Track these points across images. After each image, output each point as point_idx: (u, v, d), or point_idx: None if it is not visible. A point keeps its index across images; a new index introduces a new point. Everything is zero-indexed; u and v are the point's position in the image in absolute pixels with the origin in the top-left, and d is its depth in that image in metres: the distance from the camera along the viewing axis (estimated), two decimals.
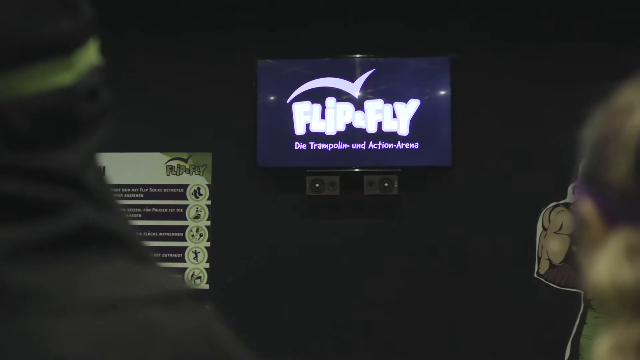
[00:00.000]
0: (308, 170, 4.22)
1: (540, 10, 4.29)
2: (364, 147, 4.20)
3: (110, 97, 0.62)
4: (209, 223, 4.39)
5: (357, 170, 4.21)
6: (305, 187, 4.22)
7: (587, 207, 0.67)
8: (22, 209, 0.52)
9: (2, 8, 0.53)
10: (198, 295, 0.58)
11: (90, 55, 0.60)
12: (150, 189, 4.43)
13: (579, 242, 0.69)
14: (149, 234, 4.36)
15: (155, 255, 0.60)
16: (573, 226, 0.70)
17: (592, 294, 0.65)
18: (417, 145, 4.17)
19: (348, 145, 4.21)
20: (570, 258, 4.15)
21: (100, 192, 0.58)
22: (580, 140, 0.71)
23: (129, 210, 4.27)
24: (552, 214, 4.18)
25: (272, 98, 4.26)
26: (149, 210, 4.42)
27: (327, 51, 4.30)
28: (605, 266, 0.63)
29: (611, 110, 0.68)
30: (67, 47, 0.56)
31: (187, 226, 4.39)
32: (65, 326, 0.50)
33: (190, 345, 0.54)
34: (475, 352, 4.15)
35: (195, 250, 4.37)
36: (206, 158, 4.42)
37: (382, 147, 4.19)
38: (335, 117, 4.22)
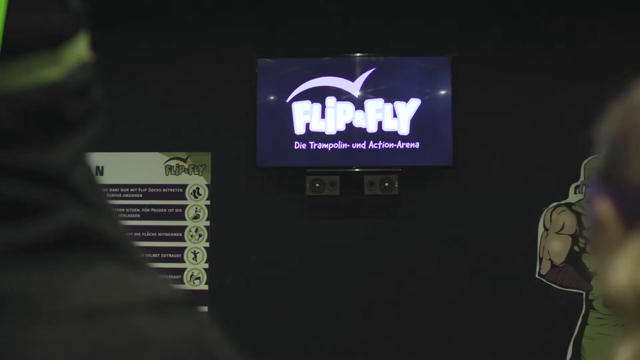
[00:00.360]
0: (308, 170, 4.20)
1: (541, 9, 4.27)
2: (364, 147, 4.18)
3: (102, 93, 0.59)
4: (208, 223, 4.36)
5: (357, 170, 4.19)
6: (305, 187, 4.20)
7: (604, 208, 0.64)
8: (4, 211, 0.50)
9: None
10: (190, 301, 0.56)
11: (79, 50, 0.57)
12: (149, 189, 4.41)
13: (594, 244, 0.66)
14: (147, 234, 4.34)
15: (147, 258, 0.58)
16: (588, 227, 0.67)
17: (610, 300, 0.62)
18: (417, 145, 4.15)
19: (348, 145, 4.19)
20: (571, 259, 4.14)
21: (90, 193, 0.56)
22: (595, 137, 0.68)
23: (127, 210, 4.24)
24: (554, 214, 4.16)
25: (271, 97, 4.23)
26: (148, 210, 4.39)
27: (327, 50, 4.28)
28: (625, 270, 0.60)
29: (630, 105, 0.65)
30: (54, 41, 0.54)
31: (186, 226, 4.37)
32: (50, 334, 0.48)
33: (180, 354, 0.52)
34: (476, 353, 4.14)
35: (195, 251, 4.35)
36: (205, 158, 4.40)
37: (383, 147, 4.17)
38: (335, 117, 4.20)
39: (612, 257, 0.62)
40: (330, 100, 4.21)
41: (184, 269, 4.34)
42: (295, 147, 4.20)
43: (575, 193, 4.16)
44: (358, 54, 4.24)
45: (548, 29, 4.27)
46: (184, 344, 0.53)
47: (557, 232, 4.16)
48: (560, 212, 4.16)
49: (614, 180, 0.63)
